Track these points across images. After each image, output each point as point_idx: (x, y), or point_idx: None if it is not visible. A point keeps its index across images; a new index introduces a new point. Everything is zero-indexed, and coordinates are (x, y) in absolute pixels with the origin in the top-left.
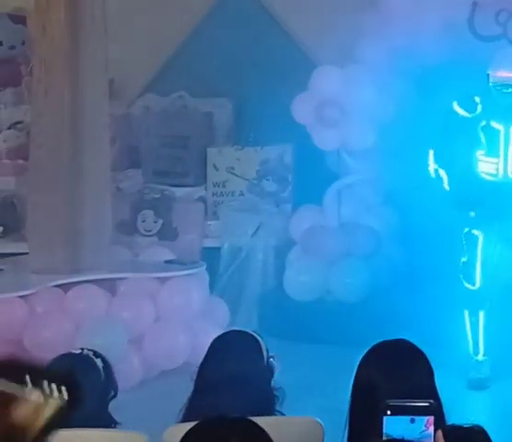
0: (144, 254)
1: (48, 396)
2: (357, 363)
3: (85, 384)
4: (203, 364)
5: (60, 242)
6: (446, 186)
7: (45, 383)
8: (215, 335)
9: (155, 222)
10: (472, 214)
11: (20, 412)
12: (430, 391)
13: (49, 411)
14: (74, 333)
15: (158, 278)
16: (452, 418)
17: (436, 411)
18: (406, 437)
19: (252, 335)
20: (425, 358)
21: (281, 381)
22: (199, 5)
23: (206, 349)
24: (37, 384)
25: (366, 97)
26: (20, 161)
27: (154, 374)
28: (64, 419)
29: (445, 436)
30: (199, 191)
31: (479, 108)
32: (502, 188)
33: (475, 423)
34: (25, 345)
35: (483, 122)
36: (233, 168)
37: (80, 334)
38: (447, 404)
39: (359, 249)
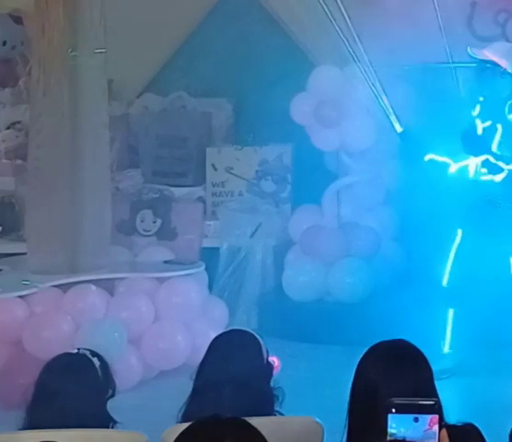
0: (143, 254)
1: None
2: (357, 363)
3: (82, 383)
4: (202, 363)
5: (59, 242)
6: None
7: None
8: (214, 335)
9: (154, 222)
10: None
11: None
12: (429, 391)
13: None
14: (73, 333)
15: (157, 278)
16: None
17: (441, 409)
18: (410, 436)
19: (252, 334)
20: (424, 358)
21: (280, 381)
22: (198, 5)
23: (205, 349)
24: None
25: (364, 97)
26: (19, 161)
27: (153, 374)
28: None
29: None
30: (198, 192)
31: (477, 108)
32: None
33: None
34: (24, 345)
35: (489, 123)
36: (232, 169)
37: (79, 334)
38: None
39: (358, 249)
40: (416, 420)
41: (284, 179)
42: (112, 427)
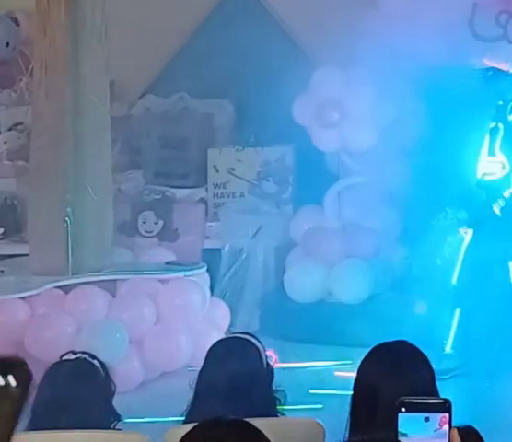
0: (144, 255)
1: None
2: (358, 364)
3: (89, 386)
4: (201, 371)
5: (60, 244)
6: None
7: None
8: (215, 336)
9: (155, 223)
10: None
11: None
12: (431, 392)
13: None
14: (74, 335)
15: (159, 279)
16: None
17: (451, 408)
18: (420, 435)
19: (249, 340)
20: (426, 359)
21: (281, 381)
22: (200, 6)
23: (206, 351)
24: None
25: (366, 98)
26: (21, 162)
27: (155, 375)
28: (17, 408)
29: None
30: (200, 193)
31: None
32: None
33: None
34: (26, 347)
35: (493, 124)
36: (234, 170)
37: (81, 336)
38: None
39: (359, 250)
40: (427, 419)
41: (285, 180)
42: (118, 422)
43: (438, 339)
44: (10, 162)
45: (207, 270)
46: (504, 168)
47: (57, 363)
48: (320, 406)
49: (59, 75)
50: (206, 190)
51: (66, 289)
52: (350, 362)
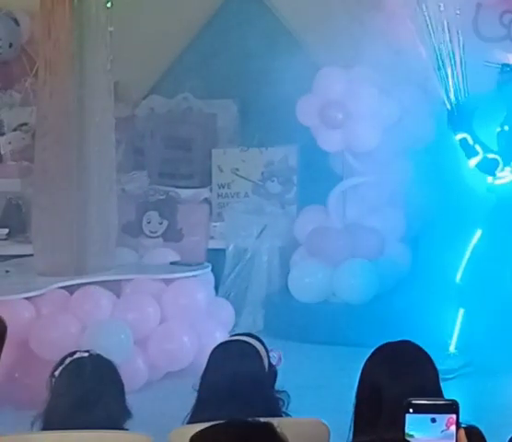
0: (149, 256)
1: None
2: (362, 364)
3: (107, 383)
4: (204, 375)
5: (65, 244)
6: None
7: None
8: (220, 337)
9: (160, 223)
10: None
11: None
12: (435, 392)
13: None
14: (79, 335)
15: (164, 280)
16: None
17: (458, 409)
18: (427, 436)
19: (249, 343)
20: (430, 359)
21: (285, 382)
22: (204, 7)
23: (210, 352)
24: None
25: (370, 98)
26: (25, 163)
27: (159, 375)
28: None
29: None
30: (204, 193)
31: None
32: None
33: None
34: (31, 346)
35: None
36: (238, 170)
37: (85, 336)
38: None
39: (364, 250)
40: (434, 420)
41: (289, 180)
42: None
43: (442, 339)
44: (15, 162)
45: (212, 270)
46: (476, 150)
47: (73, 360)
48: (324, 406)
49: (63, 75)
50: (211, 190)
51: (71, 289)
52: (354, 362)
